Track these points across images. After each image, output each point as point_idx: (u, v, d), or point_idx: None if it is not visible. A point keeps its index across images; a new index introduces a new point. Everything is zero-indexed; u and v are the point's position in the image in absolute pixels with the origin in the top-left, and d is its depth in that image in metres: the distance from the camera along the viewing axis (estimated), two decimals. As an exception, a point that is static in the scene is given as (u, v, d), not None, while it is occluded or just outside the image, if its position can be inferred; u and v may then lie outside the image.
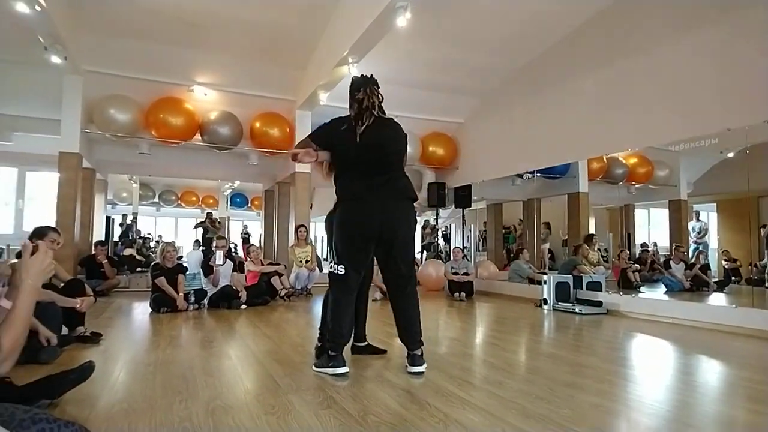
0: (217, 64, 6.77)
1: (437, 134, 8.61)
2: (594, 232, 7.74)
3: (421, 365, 2.63)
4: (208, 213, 10.91)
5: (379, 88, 2.81)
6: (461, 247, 7.99)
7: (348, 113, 2.75)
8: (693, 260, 6.60)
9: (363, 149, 2.63)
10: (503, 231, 11.53)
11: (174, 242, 6.96)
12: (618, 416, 2.04)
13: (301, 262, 6.60)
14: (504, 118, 7.44)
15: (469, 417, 1.93)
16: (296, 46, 6.40)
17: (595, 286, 5.64)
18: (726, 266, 6.84)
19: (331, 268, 2.73)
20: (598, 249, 7.84)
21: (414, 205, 2.75)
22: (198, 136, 7.31)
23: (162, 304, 5.03)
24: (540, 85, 6.68)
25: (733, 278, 6.68)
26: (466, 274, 6.83)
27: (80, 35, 5.86)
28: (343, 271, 2.66)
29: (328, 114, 7.58)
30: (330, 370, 2.59)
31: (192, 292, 5.40)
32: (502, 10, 5.59)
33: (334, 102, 7.32)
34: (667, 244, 7.23)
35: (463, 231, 10.10)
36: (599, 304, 5.31)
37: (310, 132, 2.97)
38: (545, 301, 5.57)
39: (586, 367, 2.88)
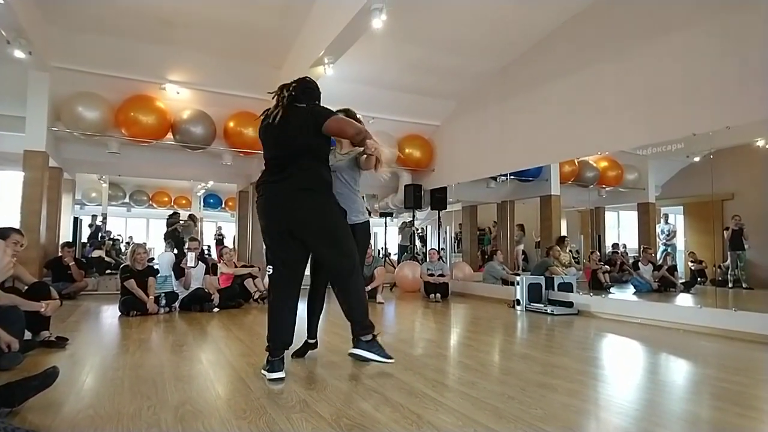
0: (190, 62, 6.65)
1: (414, 136, 8.65)
2: (566, 234, 7.89)
3: (363, 350, 2.62)
4: (190, 215, 10.67)
5: (304, 83, 2.85)
6: (437, 248, 8.03)
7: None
8: (661, 262, 6.79)
9: (268, 143, 2.67)
10: (478, 233, 11.66)
11: (145, 244, 6.81)
12: (588, 416, 2.08)
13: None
14: (479, 121, 7.53)
15: (441, 418, 1.94)
16: (272, 45, 6.34)
17: (566, 287, 5.75)
18: (692, 268, 7.06)
19: None
20: (570, 251, 8.00)
21: (323, 193, 2.62)
22: (170, 136, 7.16)
23: (131, 307, 4.91)
24: (514, 90, 6.78)
25: (699, 279, 6.90)
26: (442, 275, 6.88)
27: (47, 30, 5.67)
28: (271, 270, 2.66)
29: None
30: (266, 374, 2.53)
31: (163, 294, 5.28)
32: (477, 15, 5.66)
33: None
34: (636, 245, 7.44)
35: (438, 233, 10.16)
36: (570, 304, 5.42)
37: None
38: (518, 302, 5.66)
39: (557, 367, 2.93)
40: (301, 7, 5.57)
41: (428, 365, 2.93)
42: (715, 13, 4.41)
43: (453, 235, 11.53)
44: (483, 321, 5.10)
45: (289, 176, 2.56)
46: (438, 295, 6.60)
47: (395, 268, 8.80)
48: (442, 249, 8.99)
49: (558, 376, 2.68)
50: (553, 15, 5.82)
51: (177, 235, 9.41)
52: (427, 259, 7.43)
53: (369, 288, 6.21)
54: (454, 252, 11.45)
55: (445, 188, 8.62)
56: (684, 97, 4.65)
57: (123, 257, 9.63)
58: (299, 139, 2.59)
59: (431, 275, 6.83)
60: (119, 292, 5.19)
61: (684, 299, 6.13)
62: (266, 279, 6.26)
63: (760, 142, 5.08)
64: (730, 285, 6.41)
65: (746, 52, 4.17)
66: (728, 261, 6.51)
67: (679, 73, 4.71)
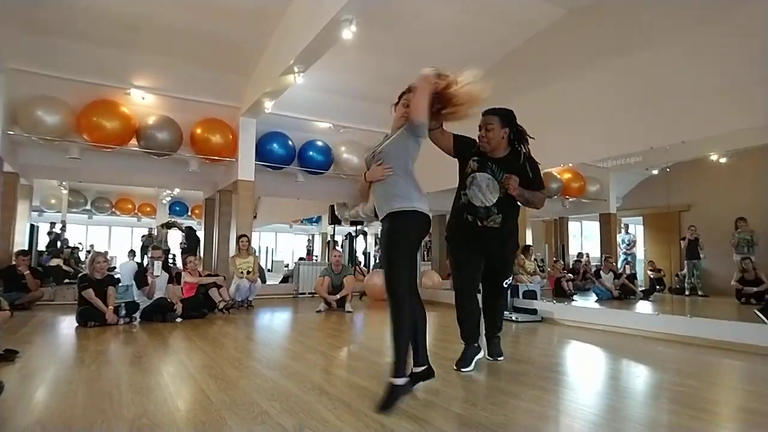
0: (156, 67, 6.52)
1: (384, 146, 8.70)
2: (531, 243, 8.04)
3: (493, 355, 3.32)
4: (188, 227, 10.51)
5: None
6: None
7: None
8: (621, 270, 7.01)
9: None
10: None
11: (106, 252, 6.60)
12: (549, 421, 2.12)
13: (242, 273, 6.42)
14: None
15: (404, 426, 1.94)
16: (241, 52, 6.29)
17: (530, 295, 5.86)
18: (651, 276, 7.32)
19: None
20: (535, 259, 8.16)
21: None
22: (134, 141, 6.98)
23: (89, 317, 4.73)
24: (484, 101, 6.90)
25: (657, 287, 7.16)
26: (411, 284, 6.89)
27: (3, 30, 5.47)
28: None
29: (274, 122, 7.63)
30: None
31: (123, 304, 5.11)
32: (446, 29, 5.77)
33: (281, 110, 7.25)
34: (598, 254, 7.65)
35: (408, 242, 10.21)
36: (534, 312, 5.52)
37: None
38: (485, 311, 5.72)
39: (520, 374, 2.98)
40: (272, 16, 5.56)
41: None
42: (672, 34, 4.63)
43: (423, 244, 11.60)
44: (450, 329, 5.12)
45: None
46: (407, 303, 6.62)
47: (365, 276, 8.78)
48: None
49: (521, 383, 2.72)
50: (519, 31, 5.98)
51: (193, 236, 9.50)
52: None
53: (338, 297, 6.18)
54: (424, 260, 11.53)
55: (415, 197, 8.67)
56: (642, 112, 4.85)
57: (83, 266, 9.29)
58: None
59: (400, 284, 6.84)
60: (77, 302, 4.99)
61: (643, 306, 6.34)
62: (231, 288, 6.18)
63: (714, 157, 5.34)
64: (686, 293, 6.67)
65: (701, 71, 4.38)
66: (685, 270, 6.78)
67: (637, 90, 4.91)
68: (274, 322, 5.52)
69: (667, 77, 4.66)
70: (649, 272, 7.36)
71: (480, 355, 3.15)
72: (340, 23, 4.19)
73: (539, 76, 5.96)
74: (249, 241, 6.84)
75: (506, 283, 3.23)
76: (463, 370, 2.97)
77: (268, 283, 9.27)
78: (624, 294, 6.71)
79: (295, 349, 3.78)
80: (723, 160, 5.49)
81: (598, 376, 3.14)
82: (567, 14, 5.62)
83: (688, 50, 4.50)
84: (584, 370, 3.31)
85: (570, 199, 9.28)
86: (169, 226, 10.53)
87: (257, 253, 14.67)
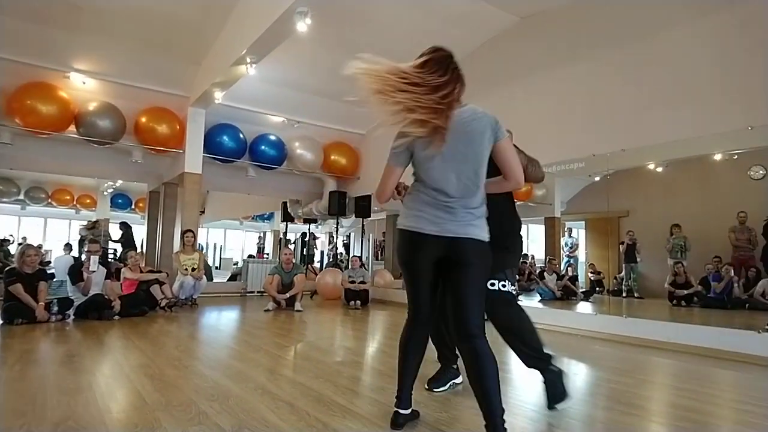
0: (100, 50, 6.16)
1: (340, 144, 8.64)
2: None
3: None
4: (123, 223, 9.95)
5: None
6: (359, 256, 8.04)
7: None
8: (564, 272, 7.28)
9: None
10: (401, 241, 11.86)
11: (40, 246, 6.17)
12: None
13: (186, 269, 6.18)
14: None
15: (347, 425, 1.92)
16: (191, 39, 6.05)
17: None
18: (592, 278, 7.65)
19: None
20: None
21: None
22: (73, 128, 6.57)
23: (16, 314, 4.40)
24: (437, 103, 6.99)
25: (597, 289, 7.49)
26: (363, 282, 6.89)
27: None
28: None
29: (224, 114, 7.40)
30: None
31: (55, 300, 4.80)
32: (402, 27, 5.78)
33: (232, 102, 7.05)
34: (543, 256, 7.92)
35: (362, 240, 10.21)
36: (482, 311, 5.63)
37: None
38: (435, 310, 5.79)
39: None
40: (225, 3, 5.38)
41: (341, 373, 2.89)
42: (613, 47, 4.87)
43: (376, 242, 11.63)
44: (400, 328, 5.15)
45: None
46: (358, 302, 6.60)
47: (317, 275, 8.69)
48: (366, 257, 9.04)
49: (465, 382, 2.75)
50: (473, 36, 6.09)
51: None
52: (349, 266, 7.42)
53: (287, 295, 6.08)
54: (377, 259, 11.56)
55: (370, 196, 8.68)
56: (586, 120, 5.06)
57: (12, 260, 8.67)
58: None
59: (352, 282, 6.81)
60: (2, 298, 4.64)
61: (583, 307, 6.61)
62: (175, 285, 5.95)
63: (651, 165, 5.63)
64: (624, 294, 7.02)
65: (640, 82, 4.63)
66: (623, 272, 7.13)
67: (582, 98, 5.13)
68: (220, 321, 5.35)
69: (609, 88, 4.90)
70: (589, 274, 7.69)
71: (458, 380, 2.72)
72: (295, 15, 4.11)
73: (490, 81, 6.09)
74: (195, 236, 6.60)
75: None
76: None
77: (215, 281, 8.99)
78: (566, 295, 6.98)
79: (240, 349, 3.67)
80: (659, 169, 5.81)
81: (538, 374, 3.23)
82: (519, 22, 5.78)
83: (628, 63, 4.74)
84: (525, 368, 3.40)
85: (518, 203, 9.57)
86: (89, 228, 9.97)
87: (204, 250, 14.25)
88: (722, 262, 6.11)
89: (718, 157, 5.19)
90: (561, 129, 5.28)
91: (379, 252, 12.54)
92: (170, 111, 7.03)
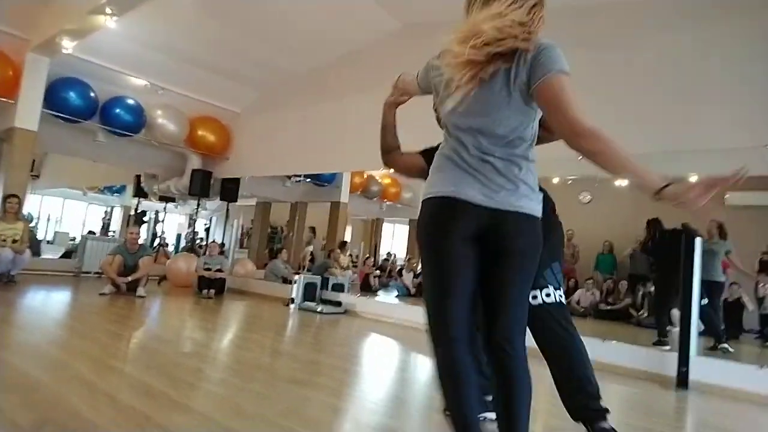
0: None
1: (210, 119, 8.06)
2: (348, 240, 8.37)
3: None
4: None
5: None
6: (220, 242, 7.61)
7: None
8: (420, 271, 7.73)
9: None
10: (270, 230, 11.53)
11: None
12: (328, 409, 2.18)
13: (5, 240, 5.26)
14: (281, 117, 7.45)
15: (173, 418, 1.78)
16: (39, -27, 5.17)
17: (338, 288, 6.08)
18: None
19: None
20: (350, 255, 8.53)
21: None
22: None
23: None
24: (319, 94, 6.91)
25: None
26: (220, 270, 6.52)
27: None
28: None
29: (74, 67, 6.48)
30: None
31: None
32: (294, 12, 5.61)
33: (86, 54, 6.19)
34: (404, 255, 8.34)
35: (225, 226, 9.69)
36: (339, 304, 5.73)
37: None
38: (293, 300, 5.73)
39: (314, 363, 3.03)
40: (84, -60, 4.70)
41: (181, 365, 2.69)
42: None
43: (242, 230, 11.15)
44: (253, 318, 5.00)
45: None
46: (212, 291, 6.22)
47: (168, 259, 8.03)
48: (225, 244, 8.60)
49: (313, 372, 2.76)
50: (360, 35, 6.14)
51: None
52: (207, 253, 6.98)
53: (129, 279, 5.50)
54: (242, 247, 11.08)
55: (239, 180, 8.26)
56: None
57: None
58: None
59: (208, 269, 6.41)
60: None
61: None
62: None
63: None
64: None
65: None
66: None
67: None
68: (43, 303, 4.66)
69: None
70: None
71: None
72: (169, -28, 3.73)
73: (376, 78, 6.18)
74: (20, 203, 5.64)
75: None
76: None
77: (43, 256, 7.81)
78: (420, 292, 7.42)
79: (62, 335, 3.23)
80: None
81: (388, 368, 3.38)
82: (402, 27, 5.96)
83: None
84: (376, 362, 3.53)
85: (387, 203, 9.95)
86: None
87: (33, 221, 12.27)
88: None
89: (555, 180, 5.94)
90: (427, 133, 5.57)
91: (245, 239, 12.01)
92: (2, 52, 5.91)
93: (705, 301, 4.19)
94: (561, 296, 1.77)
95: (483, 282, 1.32)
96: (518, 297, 1.32)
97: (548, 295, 1.72)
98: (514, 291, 1.31)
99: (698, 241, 3.49)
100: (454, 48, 1.22)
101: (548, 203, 1.76)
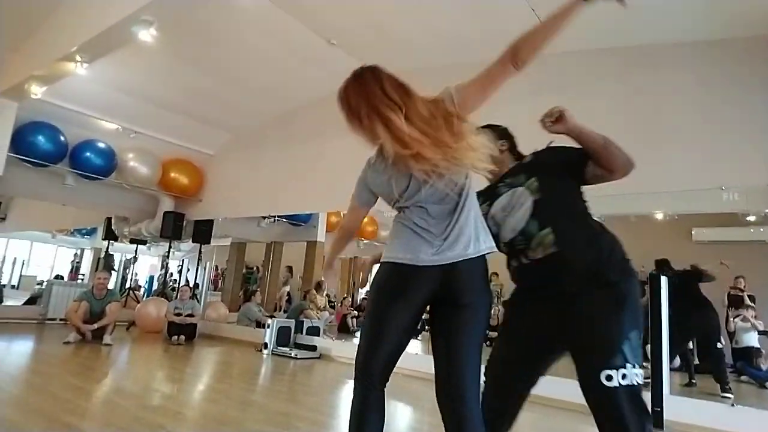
0: None
1: (183, 161, 8.03)
2: (324, 279, 8.27)
3: None
4: None
5: None
6: (191, 285, 7.43)
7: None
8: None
9: None
10: (246, 270, 11.30)
11: None
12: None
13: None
14: (255, 159, 7.47)
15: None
16: (9, 17, 5.16)
17: (314, 331, 5.96)
18: (424, 318, 8.17)
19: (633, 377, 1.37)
20: (327, 295, 8.40)
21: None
22: None
23: None
24: (293, 136, 6.98)
25: (426, 328, 8.00)
26: (191, 315, 6.34)
27: None
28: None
29: (44, 111, 6.42)
30: None
31: None
32: (259, 57, 5.70)
33: (56, 99, 6.16)
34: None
35: (197, 269, 9.49)
36: (314, 348, 5.61)
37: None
38: (266, 346, 5.58)
39: (284, 415, 2.93)
40: (57, -11, 4.75)
41: (141, 419, 2.57)
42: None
43: (216, 270, 10.92)
44: (224, 366, 4.84)
45: None
46: (182, 337, 6.03)
47: (138, 303, 7.79)
48: (197, 286, 8.40)
49: (281, 426, 2.66)
50: (334, 79, 6.26)
51: None
52: (178, 297, 6.79)
53: (96, 326, 5.30)
54: (214, 290, 10.82)
55: (212, 221, 8.17)
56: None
57: None
58: None
59: (178, 314, 6.23)
60: None
61: (414, 346, 6.98)
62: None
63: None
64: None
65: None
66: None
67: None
68: (1, 354, 4.44)
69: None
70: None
71: None
72: (139, 23, 3.78)
73: (342, 125, 6.30)
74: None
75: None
76: None
77: (5, 303, 7.51)
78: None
79: (17, 391, 3.06)
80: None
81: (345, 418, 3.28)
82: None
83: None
84: (342, 410, 3.43)
85: (364, 241, 9.92)
86: None
87: (-4, 265, 11.81)
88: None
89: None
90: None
91: (220, 281, 11.73)
92: (-34, 97, 5.83)
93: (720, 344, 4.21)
94: (638, 375, 1.38)
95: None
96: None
97: (624, 376, 1.35)
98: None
99: (664, 280, 3.55)
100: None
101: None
